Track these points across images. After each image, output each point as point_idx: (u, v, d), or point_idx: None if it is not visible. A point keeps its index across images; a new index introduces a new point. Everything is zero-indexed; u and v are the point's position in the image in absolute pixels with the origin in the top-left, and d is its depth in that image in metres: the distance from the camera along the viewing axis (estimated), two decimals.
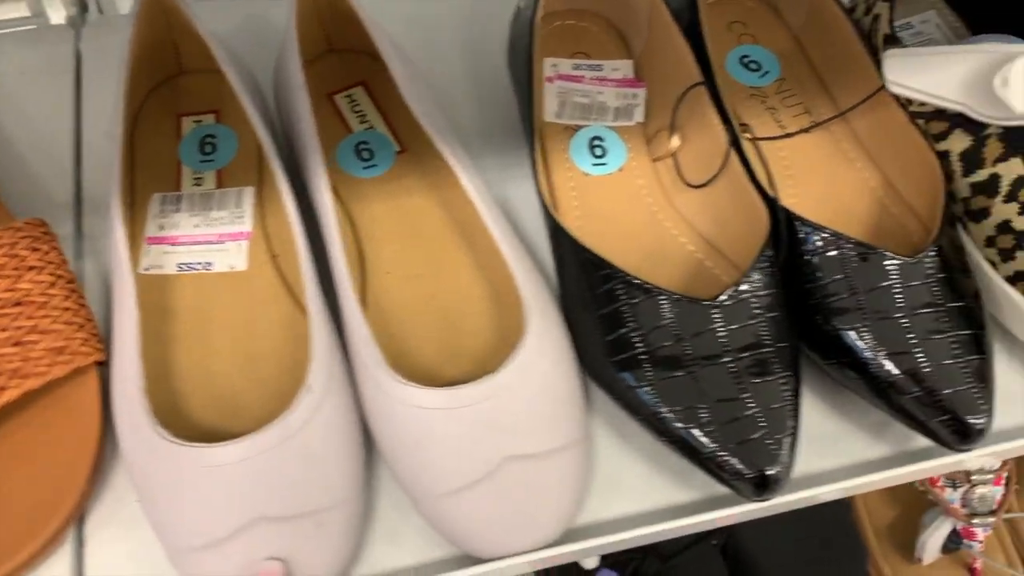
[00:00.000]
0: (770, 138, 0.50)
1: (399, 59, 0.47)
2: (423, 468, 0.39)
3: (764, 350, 0.40)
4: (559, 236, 0.45)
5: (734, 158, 0.46)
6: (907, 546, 0.66)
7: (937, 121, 0.46)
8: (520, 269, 0.43)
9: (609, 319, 0.42)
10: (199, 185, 0.48)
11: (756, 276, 0.42)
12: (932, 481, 0.64)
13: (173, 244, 0.46)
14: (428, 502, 0.39)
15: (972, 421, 0.40)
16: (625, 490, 0.43)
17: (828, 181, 0.50)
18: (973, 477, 0.64)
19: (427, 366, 0.43)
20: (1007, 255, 0.44)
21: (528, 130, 0.49)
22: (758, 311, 0.41)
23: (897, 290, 0.42)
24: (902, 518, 0.68)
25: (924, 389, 0.40)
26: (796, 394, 0.40)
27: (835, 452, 0.44)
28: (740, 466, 0.39)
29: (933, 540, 0.65)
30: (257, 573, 0.36)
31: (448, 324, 0.44)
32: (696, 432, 0.39)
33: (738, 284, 0.41)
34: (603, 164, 0.50)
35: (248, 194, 0.47)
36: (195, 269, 0.45)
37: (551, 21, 0.55)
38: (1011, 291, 0.44)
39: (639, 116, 0.51)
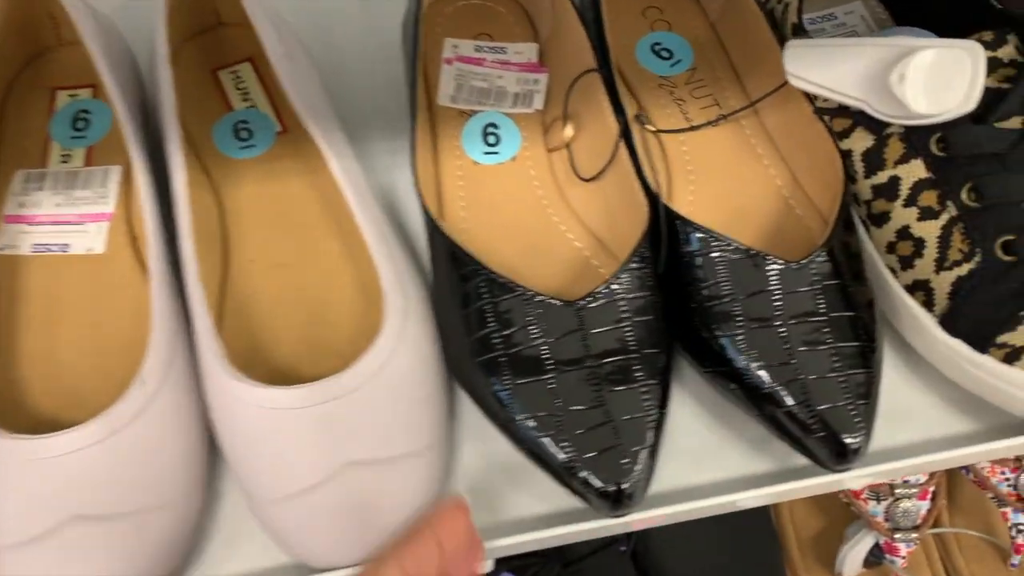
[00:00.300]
0: (673, 131, 0.47)
1: (278, 35, 0.45)
2: (259, 470, 0.37)
3: (628, 356, 0.38)
4: (431, 227, 0.43)
5: (623, 151, 0.44)
6: (830, 559, 0.64)
7: (841, 118, 0.44)
8: (386, 262, 0.40)
9: (473, 317, 0.39)
10: (66, 162, 0.46)
11: (626, 277, 0.39)
12: (855, 493, 0.62)
13: (31, 223, 0.44)
14: (262, 506, 0.37)
15: (848, 440, 0.38)
16: (490, 497, 0.41)
17: (731, 178, 0.47)
18: (897, 491, 0.61)
19: (287, 361, 0.41)
20: (906, 263, 0.42)
21: (412, 114, 0.46)
22: (626, 314, 0.39)
23: (777, 296, 0.39)
24: (827, 530, 0.66)
25: (799, 403, 0.38)
26: (661, 405, 0.38)
27: (716, 465, 0.42)
28: (592, 479, 0.36)
29: (854, 554, 0.63)
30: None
31: (313, 317, 0.42)
32: (548, 441, 0.37)
33: (606, 285, 0.39)
34: (495, 153, 0.47)
35: (115, 173, 0.45)
36: (51, 250, 0.43)
37: (455, 0, 0.52)
38: (909, 301, 0.42)
39: (539, 103, 0.49)
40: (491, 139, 0.48)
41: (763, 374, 0.38)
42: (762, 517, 0.65)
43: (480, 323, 0.39)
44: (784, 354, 0.38)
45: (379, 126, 0.50)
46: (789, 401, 0.38)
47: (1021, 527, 0.62)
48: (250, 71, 0.49)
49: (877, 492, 0.61)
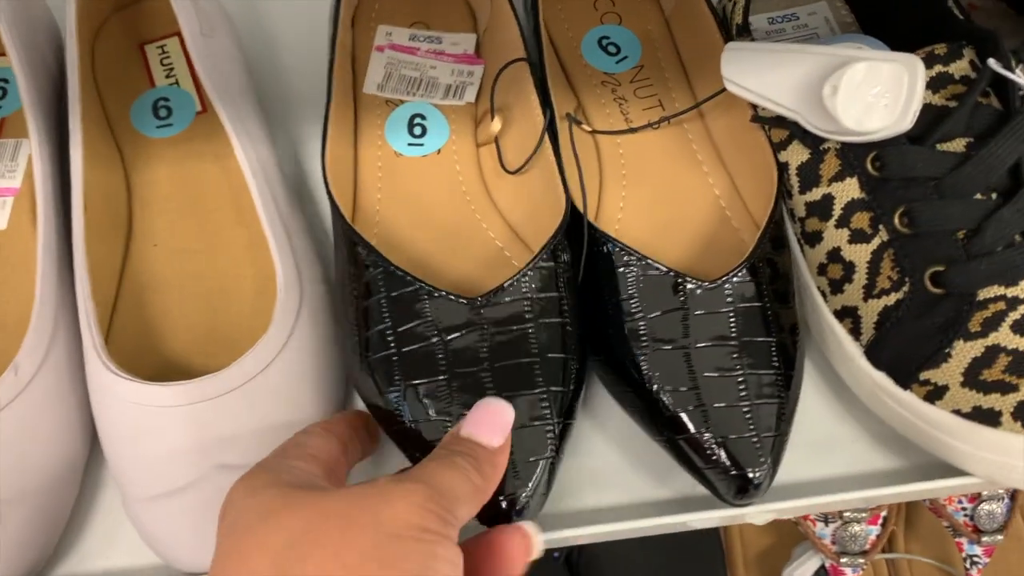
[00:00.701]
0: (608, 132, 0.45)
1: (195, 9, 0.43)
2: (130, 466, 0.36)
3: (526, 359, 0.36)
4: (335, 216, 0.41)
5: (548, 145, 0.41)
6: None
7: (779, 128, 0.41)
8: (285, 259, 0.39)
9: (367, 312, 0.37)
10: None
11: (530, 276, 0.37)
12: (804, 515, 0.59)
13: None
14: (131, 504, 0.36)
15: (749, 474, 0.36)
16: None
17: (667, 183, 0.44)
18: (846, 514, 0.59)
19: (182, 352, 0.40)
20: (836, 287, 0.39)
21: (327, 99, 0.43)
22: (528, 315, 0.37)
23: (685, 317, 0.37)
24: (776, 548, 0.64)
25: (700, 432, 0.36)
26: (565, 414, 0.36)
27: (616, 487, 0.40)
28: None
29: (799, 575, 0.60)
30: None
31: (211, 308, 0.41)
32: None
33: (512, 281, 0.37)
34: (419, 145, 0.45)
35: (25, 147, 0.44)
36: None
37: None
38: (837, 327, 0.39)
39: (470, 95, 0.46)
40: (417, 130, 0.45)
41: (665, 398, 0.36)
42: (710, 531, 0.63)
43: (374, 318, 0.37)
44: (688, 379, 0.36)
45: (309, 110, 0.48)
46: (690, 429, 0.36)
47: (976, 559, 0.59)
48: (177, 46, 0.47)
49: (826, 514, 0.59)
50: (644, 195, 0.44)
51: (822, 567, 0.60)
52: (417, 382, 0.36)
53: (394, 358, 0.36)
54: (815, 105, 0.38)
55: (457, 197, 0.44)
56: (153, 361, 0.39)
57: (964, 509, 0.58)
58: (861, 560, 0.59)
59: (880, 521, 0.59)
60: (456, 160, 0.45)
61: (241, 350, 0.39)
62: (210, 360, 0.39)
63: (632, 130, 0.45)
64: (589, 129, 0.45)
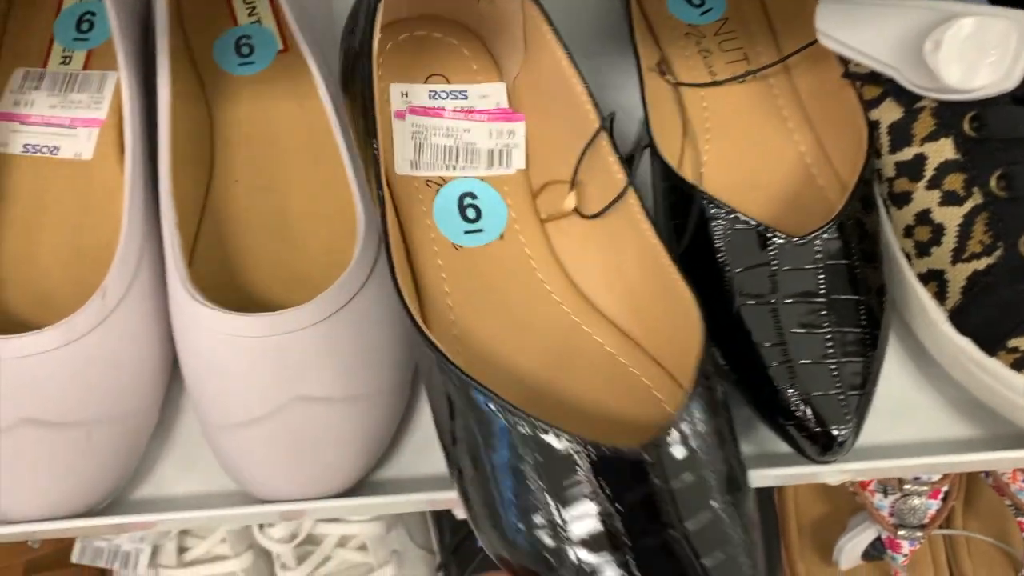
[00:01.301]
0: (694, 84, 0.44)
1: None
2: (211, 395, 0.36)
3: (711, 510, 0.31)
4: (416, 336, 0.32)
5: (633, 204, 0.36)
6: (829, 547, 0.62)
7: (871, 85, 0.40)
8: (365, 197, 0.39)
9: (504, 480, 0.30)
10: (67, 64, 0.45)
11: (695, 411, 0.31)
12: (862, 484, 0.59)
13: (23, 123, 0.43)
14: (211, 431, 0.37)
15: (833, 431, 0.35)
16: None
17: (751, 139, 0.44)
18: (907, 486, 0.58)
19: (260, 286, 0.40)
20: (923, 249, 0.39)
21: (376, 184, 0.35)
22: (703, 456, 0.31)
23: (774, 272, 0.36)
24: (830, 517, 0.63)
25: (785, 387, 0.35)
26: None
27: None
28: None
29: (853, 546, 0.60)
30: None
31: (290, 245, 0.41)
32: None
33: (670, 429, 0.30)
34: (478, 231, 0.38)
35: (111, 79, 0.44)
36: (41, 152, 0.43)
37: (396, 32, 0.41)
38: (921, 291, 0.39)
39: (519, 161, 0.39)
40: (470, 213, 0.39)
41: (752, 353, 0.36)
42: (764, 498, 0.62)
43: (523, 497, 0.30)
44: (775, 335, 0.36)
45: None
46: (775, 385, 0.36)
47: None
48: None
49: (885, 485, 0.58)
50: (727, 150, 0.43)
51: (878, 538, 0.60)
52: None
53: (566, 546, 0.29)
54: (915, 61, 0.37)
55: (537, 290, 0.38)
56: (232, 294, 0.39)
57: None
58: (919, 534, 0.58)
59: (941, 496, 0.58)
60: (524, 243, 0.39)
61: (317, 286, 0.39)
62: (288, 295, 0.40)
63: (717, 83, 0.44)
64: (674, 81, 0.44)
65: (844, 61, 0.41)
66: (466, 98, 0.40)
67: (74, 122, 0.43)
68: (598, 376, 0.36)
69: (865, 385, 0.36)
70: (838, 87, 0.42)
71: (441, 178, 0.39)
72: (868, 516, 0.60)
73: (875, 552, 0.60)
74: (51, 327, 0.36)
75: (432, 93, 0.40)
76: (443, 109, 0.40)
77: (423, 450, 0.39)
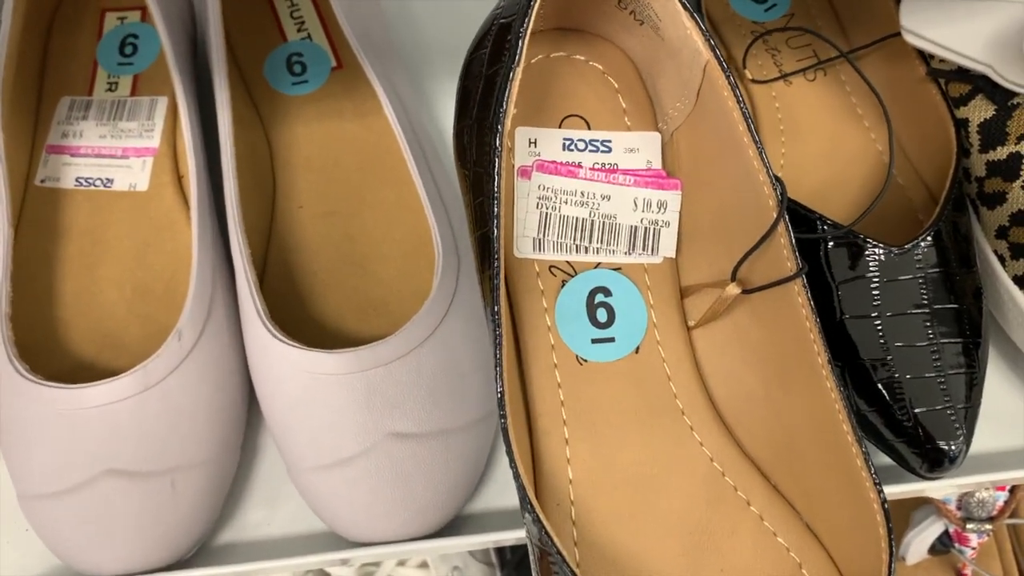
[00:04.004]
0: (763, 81, 0.43)
1: None
2: (295, 435, 0.35)
3: None
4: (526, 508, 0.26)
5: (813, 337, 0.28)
6: (896, 542, 0.61)
7: (959, 82, 0.39)
8: (439, 216, 0.37)
9: None
10: (113, 91, 0.43)
11: None
12: None
13: (73, 155, 0.41)
14: (298, 473, 0.35)
15: (943, 447, 0.34)
16: None
17: (827, 138, 0.42)
18: None
19: (332, 317, 0.39)
20: (1019, 251, 0.37)
21: (492, 265, 0.27)
22: None
23: (875, 285, 0.35)
24: (895, 512, 0.62)
25: (892, 404, 0.34)
26: None
27: None
28: None
29: (920, 540, 0.59)
30: None
31: (361, 271, 0.39)
32: None
33: None
34: (609, 341, 0.30)
35: (161, 105, 0.42)
36: (94, 185, 0.41)
37: (529, 53, 0.32)
38: (1017, 294, 0.37)
39: (669, 247, 0.30)
40: (601, 314, 0.30)
41: (855, 371, 0.35)
42: None
43: None
44: (879, 349, 0.35)
45: (446, 62, 0.46)
46: (881, 402, 0.34)
47: None
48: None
49: None
50: (804, 149, 0.42)
51: (945, 532, 0.59)
52: None
53: None
54: (1012, 57, 0.35)
55: (675, 425, 0.30)
56: (306, 325, 0.38)
57: None
58: (988, 526, 0.57)
59: (1008, 488, 0.58)
60: (664, 358, 0.30)
61: (394, 313, 0.38)
62: (363, 325, 0.38)
63: (785, 76, 0.43)
64: (749, 78, 0.43)
65: (926, 58, 0.40)
66: (610, 150, 0.31)
67: (126, 152, 0.41)
68: (741, 546, 0.28)
69: (972, 396, 0.35)
70: (916, 83, 0.40)
71: (569, 264, 0.30)
72: (935, 510, 0.59)
73: (942, 546, 0.60)
74: (127, 373, 0.34)
75: (567, 141, 0.31)
76: (579, 166, 0.30)
77: (503, 483, 0.38)
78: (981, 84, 0.38)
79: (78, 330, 0.38)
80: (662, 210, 0.30)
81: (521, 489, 0.25)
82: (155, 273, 0.39)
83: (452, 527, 0.36)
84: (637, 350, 0.30)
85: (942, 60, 0.39)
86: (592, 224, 0.30)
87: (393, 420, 0.34)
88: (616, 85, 0.33)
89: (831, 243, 0.36)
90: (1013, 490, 0.58)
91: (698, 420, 0.30)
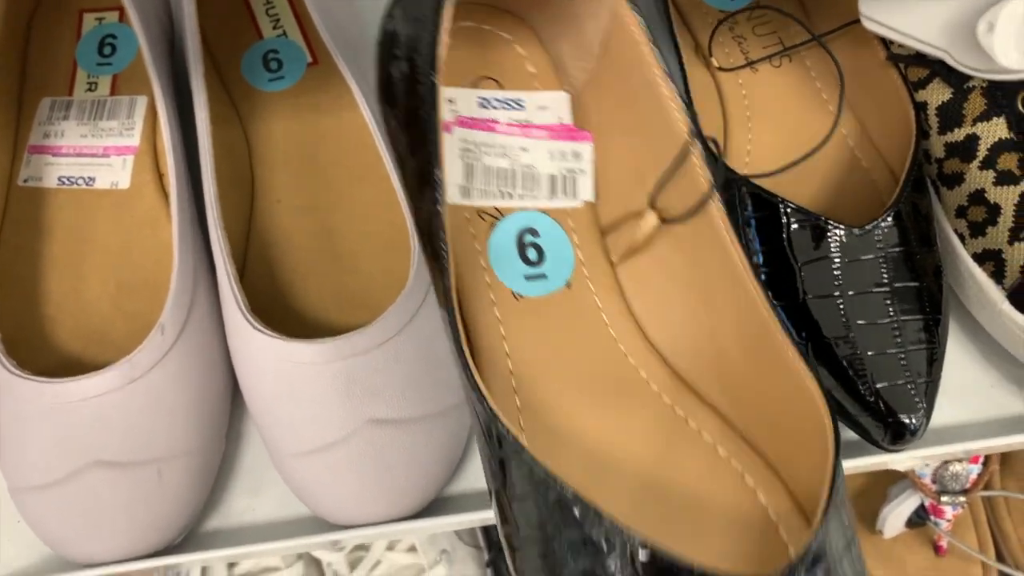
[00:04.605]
0: (730, 69, 0.44)
1: None
2: (279, 423, 0.36)
3: None
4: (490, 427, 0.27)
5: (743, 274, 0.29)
6: (872, 516, 0.62)
7: (917, 67, 0.40)
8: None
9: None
10: (92, 91, 0.44)
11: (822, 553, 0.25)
12: None
13: (55, 154, 0.42)
14: (282, 460, 0.36)
15: (905, 420, 0.35)
16: None
17: (793, 123, 0.43)
18: None
19: (312, 309, 0.40)
20: (977, 229, 0.38)
21: (437, 225, 0.29)
22: None
23: (837, 265, 0.36)
24: (870, 488, 0.64)
25: (855, 379, 0.36)
26: None
27: None
28: None
29: (897, 514, 0.61)
30: None
31: (339, 264, 0.40)
32: None
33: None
34: (541, 277, 0.33)
35: (141, 104, 0.43)
36: (76, 184, 0.42)
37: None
38: (977, 271, 0.39)
39: (586, 191, 0.33)
40: (532, 254, 0.33)
41: (818, 348, 0.36)
42: None
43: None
44: (842, 327, 0.36)
45: None
46: (845, 378, 0.36)
47: None
48: None
49: None
50: (770, 136, 0.43)
51: (921, 505, 0.60)
52: None
53: None
54: (966, 43, 0.36)
55: (610, 353, 0.32)
56: (287, 318, 0.39)
57: None
58: (962, 498, 0.59)
59: (981, 460, 0.59)
60: (594, 292, 0.33)
61: (373, 304, 0.39)
62: (344, 317, 0.39)
63: (750, 63, 0.44)
64: (716, 66, 0.44)
65: (886, 43, 0.41)
66: (522, 108, 0.34)
67: (107, 151, 0.42)
68: (690, 468, 0.30)
69: (932, 371, 0.36)
70: (878, 68, 0.41)
71: (496, 209, 0.33)
72: (910, 484, 0.60)
73: (918, 519, 0.61)
74: (113, 366, 0.35)
75: (482, 100, 0.34)
76: (496, 122, 0.34)
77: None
78: (938, 68, 0.39)
79: (64, 326, 0.39)
80: (577, 159, 0.33)
81: (466, 368, 0.27)
82: (138, 269, 0.40)
83: (434, 508, 0.37)
84: (569, 285, 0.32)
85: (901, 45, 0.40)
86: (514, 173, 0.33)
87: (373, 407, 0.35)
88: (521, 52, 0.36)
89: (795, 225, 0.37)
90: (986, 463, 0.60)
91: (632, 347, 0.32)
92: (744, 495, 0.29)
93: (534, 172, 0.33)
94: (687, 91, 0.41)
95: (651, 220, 0.31)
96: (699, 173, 0.30)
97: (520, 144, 0.33)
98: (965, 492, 0.59)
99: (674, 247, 0.32)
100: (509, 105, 0.35)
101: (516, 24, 0.36)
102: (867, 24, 0.39)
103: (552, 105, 0.34)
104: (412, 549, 0.60)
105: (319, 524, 0.38)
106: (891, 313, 0.36)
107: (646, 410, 0.31)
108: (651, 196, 0.31)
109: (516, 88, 0.35)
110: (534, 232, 0.33)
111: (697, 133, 0.31)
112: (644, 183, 0.32)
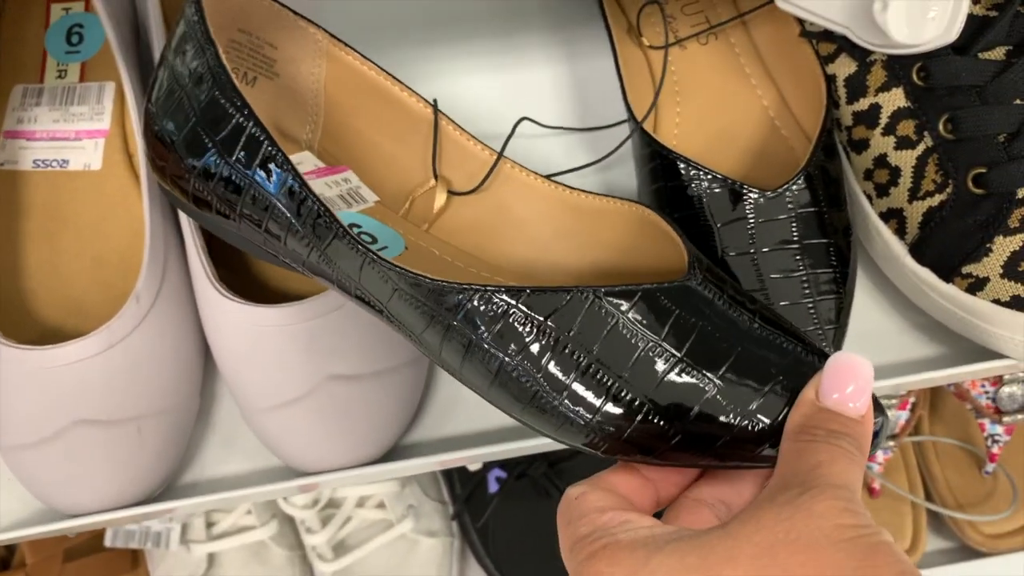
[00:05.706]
0: (660, 47, 0.47)
1: None
2: (247, 382, 0.39)
3: None
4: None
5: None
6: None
7: (826, 42, 0.44)
8: None
9: None
10: (62, 78, 0.47)
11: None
12: None
13: (30, 139, 0.45)
14: (251, 415, 0.40)
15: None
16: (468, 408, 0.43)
17: (718, 97, 0.47)
18: None
19: (275, 278, 0.43)
20: (882, 190, 0.42)
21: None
22: None
23: (751, 225, 0.40)
24: None
25: None
26: None
27: None
28: None
29: None
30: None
31: None
32: None
33: None
34: (385, 248, 0.37)
35: (109, 90, 0.46)
36: (51, 166, 0.45)
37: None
38: (883, 228, 0.43)
39: (370, 196, 0.39)
40: (366, 239, 0.36)
41: None
42: None
43: None
44: (757, 281, 0.40)
45: None
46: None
47: (996, 437, 0.64)
48: None
49: None
50: (697, 109, 0.46)
51: None
52: None
53: None
54: (865, 20, 0.40)
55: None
56: (251, 286, 0.42)
57: (986, 392, 0.63)
58: (891, 443, 0.63)
59: (909, 406, 0.64)
60: (437, 253, 0.39)
61: None
62: (304, 284, 0.42)
63: (679, 41, 0.47)
64: (648, 44, 0.47)
65: (800, 20, 0.45)
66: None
67: (79, 134, 0.45)
68: None
69: (839, 318, 0.40)
70: (795, 44, 0.45)
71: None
72: None
73: None
74: (92, 334, 0.38)
75: None
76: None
77: (439, 416, 0.43)
78: (843, 44, 0.42)
79: (44, 299, 0.42)
80: (348, 182, 0.39)
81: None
82: (112, 244, 0.43)
83: (393, 455, 0.41)
84: (407, 248, 0.38)
85: (812, 23, 0.44)
86: (329, 199, 0.37)
87: (332, 364, 0.39)
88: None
89: (715, 189, 0.40)
90: (913, 409, 0.64)
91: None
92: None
93: (327, 197, 0.37)
94: (618, 68, 0.44)
95: (442, 192, 0.39)
96: (468, 145, 0.39)
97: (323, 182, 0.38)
98: (894, 437, 0.64)
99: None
100: None
101: None
102: (780, 4, 0.43)
103: (304, 161, 0.38)
104: (381, 505, 0.63)
105: (288, 472, 0.41)
106: (800, 267, 0.40)
107: None
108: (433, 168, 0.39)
109: None
110: (359, 226, 0.37)
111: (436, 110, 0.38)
112: (422, 168, 0.40)
